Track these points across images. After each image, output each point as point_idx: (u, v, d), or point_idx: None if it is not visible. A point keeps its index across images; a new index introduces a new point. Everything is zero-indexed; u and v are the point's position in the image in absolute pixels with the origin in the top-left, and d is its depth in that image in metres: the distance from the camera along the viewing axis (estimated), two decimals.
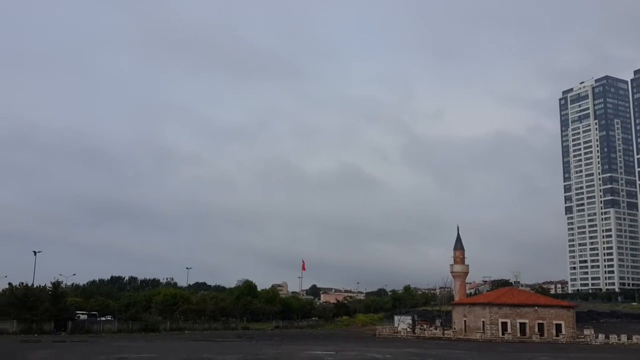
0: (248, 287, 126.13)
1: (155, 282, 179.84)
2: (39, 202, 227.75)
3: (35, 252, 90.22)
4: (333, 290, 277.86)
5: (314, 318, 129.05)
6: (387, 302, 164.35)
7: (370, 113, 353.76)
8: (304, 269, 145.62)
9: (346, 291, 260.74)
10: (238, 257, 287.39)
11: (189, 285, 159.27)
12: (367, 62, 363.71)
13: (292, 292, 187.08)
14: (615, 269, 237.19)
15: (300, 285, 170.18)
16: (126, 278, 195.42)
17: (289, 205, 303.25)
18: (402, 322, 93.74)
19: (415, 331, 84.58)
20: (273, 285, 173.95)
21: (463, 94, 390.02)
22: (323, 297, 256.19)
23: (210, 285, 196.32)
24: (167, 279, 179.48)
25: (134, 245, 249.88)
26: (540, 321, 77.01)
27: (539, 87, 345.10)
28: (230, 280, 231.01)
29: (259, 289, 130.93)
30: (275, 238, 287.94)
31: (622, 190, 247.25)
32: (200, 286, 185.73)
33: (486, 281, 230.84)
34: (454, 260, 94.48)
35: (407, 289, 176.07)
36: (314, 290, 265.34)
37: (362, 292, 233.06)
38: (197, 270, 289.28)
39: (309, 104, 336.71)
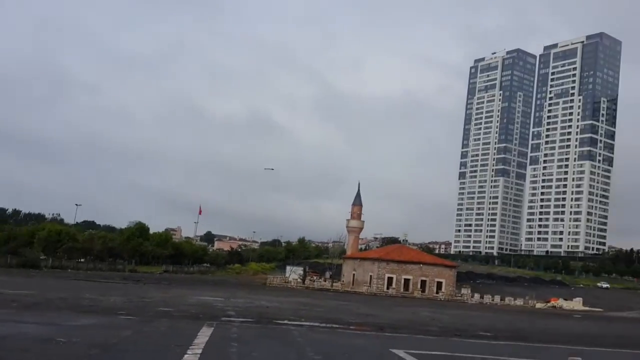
0: (140, 229, 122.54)
1: (40, 217, 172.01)
2: None
3: None
4: (228, 238, 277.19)
5: (205, 264, 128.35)
6: (280, 253, 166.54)
7: (283, 58, 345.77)
8: (200, 213, 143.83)
9: (241, 240, 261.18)
10: (132, 198, 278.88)
11: (77, 223, 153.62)
12: (285, 5, 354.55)
13: (186, 237, 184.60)
14: (496, 234, 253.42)
15: (195, 231, 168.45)
16: (9, 210, 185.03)
17: (191, 147, 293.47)
18: (294, 273, 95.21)
19: (305, 282, 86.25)
20: (167, 229, 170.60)
21: (382, 51, 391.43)
22: (217, 244, 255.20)
23: (99, 225, 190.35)
24: (53, 214, 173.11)
25: (20, 176, 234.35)
26: (424, 278, 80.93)
27: (454, 50, 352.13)
28: (121, 221, 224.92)
29: (151, 231, 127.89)
30: (174, 180, 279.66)
31: (513, 160, 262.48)
32: (89, 225, 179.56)
33: (377, 238, 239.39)
34: (351, 215, 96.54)
35: (301, 240, 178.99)
36: (209, 237, 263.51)
37: (257, 242, 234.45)
38: (87, 208, 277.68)
39: (223, 42, 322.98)
